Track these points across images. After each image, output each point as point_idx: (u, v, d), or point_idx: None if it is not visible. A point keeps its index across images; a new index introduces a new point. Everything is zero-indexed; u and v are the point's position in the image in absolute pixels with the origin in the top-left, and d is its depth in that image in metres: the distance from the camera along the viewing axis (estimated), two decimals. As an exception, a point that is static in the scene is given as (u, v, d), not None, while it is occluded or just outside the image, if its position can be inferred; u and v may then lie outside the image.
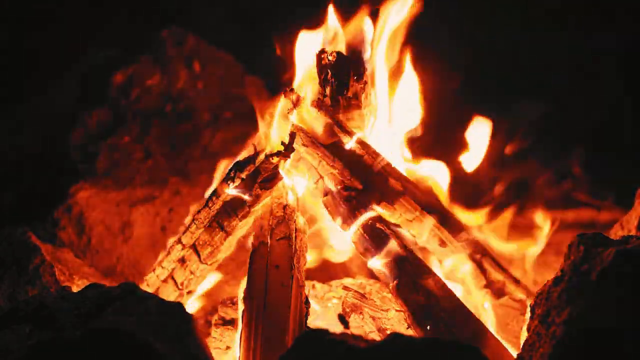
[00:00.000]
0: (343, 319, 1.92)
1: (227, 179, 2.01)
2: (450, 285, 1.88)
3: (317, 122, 2.08)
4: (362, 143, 2.07)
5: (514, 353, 1.69)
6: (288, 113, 2.05)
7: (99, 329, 1.32)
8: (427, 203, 2.06)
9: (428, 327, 1.75)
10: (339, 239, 2.10)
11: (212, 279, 2.14)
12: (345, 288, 1.95)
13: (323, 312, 2.11)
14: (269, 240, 1.88)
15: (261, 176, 1.97)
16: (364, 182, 2.01)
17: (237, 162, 2.05)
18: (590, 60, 3.28)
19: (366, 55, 2.15)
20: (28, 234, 2.19)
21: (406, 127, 2.23)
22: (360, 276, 2.43)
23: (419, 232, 2.03)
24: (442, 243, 2.02)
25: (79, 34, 3.22)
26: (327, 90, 2.07)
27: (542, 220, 2.25)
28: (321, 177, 2.03)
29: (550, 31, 3.30)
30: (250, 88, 3.25)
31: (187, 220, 2.10)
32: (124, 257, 2.73)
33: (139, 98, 3.03)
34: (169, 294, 2.04)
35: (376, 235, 1.91)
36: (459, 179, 2.28)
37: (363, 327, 1.89)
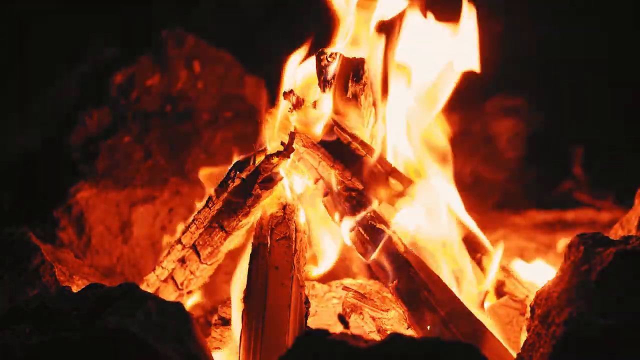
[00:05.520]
0: (343, 319, 1.92)
1: (227, 178, 2.01)
2: (450, 284, 1.88)
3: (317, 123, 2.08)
4: (362, 143, 2.07)
5: (514, 353, 1.69)
6: (289, 113, 2.06)
7: (99, 329, 1.32)
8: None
9: (428, 327, 1.75)
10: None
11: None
12: (345, 288, 1.95)
13: (323, 312, 2.11)
14: (268, 241, 1.88)
15: (261, 176, 1.97)
16: (364, 182, 2.01)
17: (237, 162, 2.05)
18: (592, 58, 3.28)
19: (366, 56, 2.15)
20: (28, 234, 2.18)
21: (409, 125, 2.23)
22: (360, 276, 2.43)
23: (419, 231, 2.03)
24: (442, 242, 2.02)
25: (79, 34, 3.22)
26: (327, 90, 2.07)
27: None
28: (321, 177, 2.03)
29: (550, 29, 3.30)
30: (250, 88, 3.25)
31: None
32: (124, 257, 2.73)
33: (139, 98, 3.03)
34: (169, 294, 2.04)
35: (376, 235, 1.91)
36: (459, 178, 2.28)
37: (363, 327, 1.89)
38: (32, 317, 1.51)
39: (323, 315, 2.10)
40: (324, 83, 2.07)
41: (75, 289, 1.72)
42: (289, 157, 1.97)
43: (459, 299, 1.81)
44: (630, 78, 3.25)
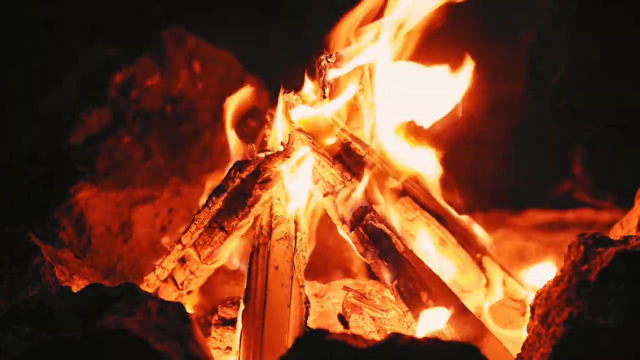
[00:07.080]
0: (343, 319, 1.92)
1: (227, 179, 2.01)
2: (449, 284, 1.88)
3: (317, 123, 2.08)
4: (361, 143, 2.07)
5: (514, 353, 1.69)
6: (288, 113, 2.06)
7: (99, 329, 1.32)
8: (427, 202, 2.07)
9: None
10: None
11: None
12: (345, 288, 1.95)
13: (323, 312, 2.11)
14: (269, 241, 1.88)
15: (261, 176, 1.97)
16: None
17: (237, 162, 2.05)
18: (591, 58, 3.28)
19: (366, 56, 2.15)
20: (28, 234, 2.18)
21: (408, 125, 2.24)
22: (360, 276, 2.43)
23: (419, 231, 2.03)
24: (442, 242, 2.02)
25: (78, 34, 3.22)
26: (327, 92, 2.07)
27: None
28: (321, 177, 2.03)
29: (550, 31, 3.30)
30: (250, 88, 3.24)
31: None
32: (124, 257, 2.73)
33: (139, 98, 3.03)
34: (169, 294, 2.04)
35: (376, 235, 1.91)
36: (459, 177, 2.29)
37: (363, 327, 1.89)
38: (32, 317, 1.51)
39: (323, 315, 2.10)
40: (323, 84, 2.07)
41: (75, 289, 1.72)
42: (289, 157, 1.97)
43: (459, 299, 1.82)
44: (630, 77, 3.25)
